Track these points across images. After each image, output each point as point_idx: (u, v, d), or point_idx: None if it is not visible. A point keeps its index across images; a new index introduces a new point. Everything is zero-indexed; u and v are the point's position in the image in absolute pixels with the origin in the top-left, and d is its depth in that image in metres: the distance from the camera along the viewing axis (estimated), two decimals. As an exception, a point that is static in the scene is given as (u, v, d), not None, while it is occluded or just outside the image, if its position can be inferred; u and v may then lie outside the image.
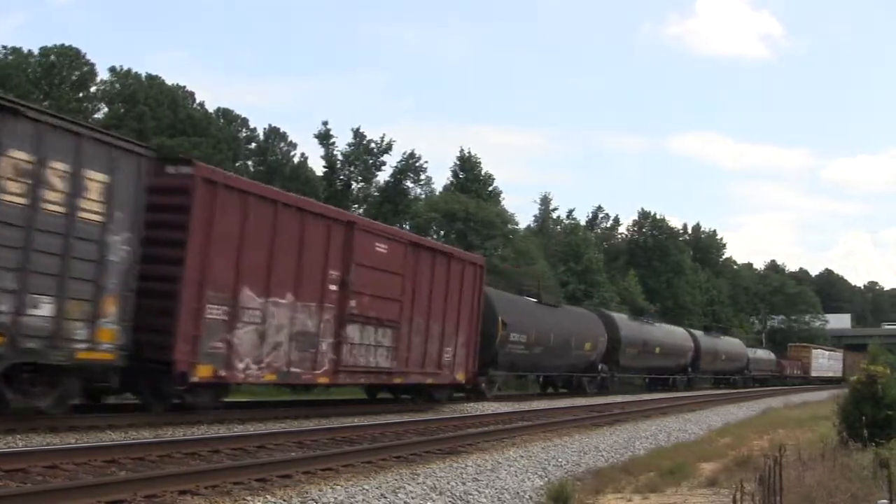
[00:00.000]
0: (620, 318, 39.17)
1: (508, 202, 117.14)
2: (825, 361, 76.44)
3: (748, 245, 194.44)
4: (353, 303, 17.28)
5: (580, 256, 53.83)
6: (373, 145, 50.84)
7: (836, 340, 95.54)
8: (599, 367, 34.38)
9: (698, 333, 49.06)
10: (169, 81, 51.68)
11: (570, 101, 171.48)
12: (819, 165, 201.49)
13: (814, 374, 72.68)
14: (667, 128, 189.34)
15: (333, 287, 16.73)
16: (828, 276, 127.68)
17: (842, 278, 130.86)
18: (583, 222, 70.94)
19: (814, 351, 74.56)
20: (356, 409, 18.96)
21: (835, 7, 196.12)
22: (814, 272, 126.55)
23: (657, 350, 40.49)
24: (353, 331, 17.37)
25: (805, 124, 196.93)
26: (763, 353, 64.81)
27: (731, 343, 56.78)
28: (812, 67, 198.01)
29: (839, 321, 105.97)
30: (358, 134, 50.85)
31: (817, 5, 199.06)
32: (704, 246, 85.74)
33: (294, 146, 57.06)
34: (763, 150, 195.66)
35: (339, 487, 9.37)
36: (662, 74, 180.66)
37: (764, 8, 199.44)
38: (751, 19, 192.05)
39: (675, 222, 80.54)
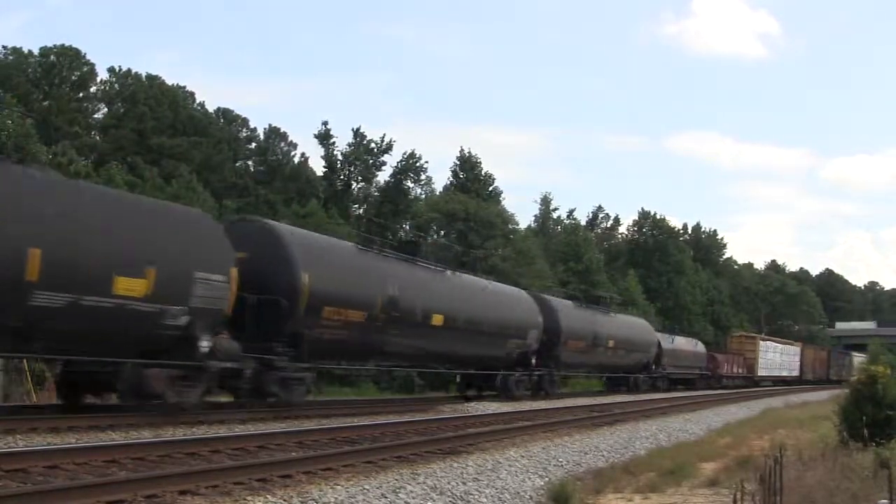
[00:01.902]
0: (303, 236, 18.80)
1: (508, 202, 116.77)
2: (776, 357, 59.83)
3: (748, 245, 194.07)
4: None
5: (580, 256, 53.93)
6: (373, 145, 51.07)
7: (835, 340, 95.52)
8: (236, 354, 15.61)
9: (560, 303, 29.68)
10: (169, 81, 51.78)
11: (570, 101, 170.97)
12: (818, 165, 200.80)
13: (761, 372, 55.85)
14: (667, 128, 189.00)
15: None
16: (828, 276, 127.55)
17: (842, 278, 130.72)
18: (583, 222, 71.40)
19: (761, 343, 57.56)
20: (356, 409, 18.96)
21: (833, 6, 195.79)
22: (814, 272, 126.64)
23: (437, 320, 21.02)
24: None
25: (804, 124, 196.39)
26: (685, 343, 45.62)
27: (627, 324, 36.32)
28: (811, 66, 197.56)
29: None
30: (358, 134, 51.14)
31: (815, 4, 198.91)
32: (704, 246, 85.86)
33: (294, 146, 57.12)
34: (762, 150, 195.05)
35: (339, 487, 9.37)
36: (662, 74, 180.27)
37: (762, 7, 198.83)
38: (748, 18, 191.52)
39: (675, 222, 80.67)
